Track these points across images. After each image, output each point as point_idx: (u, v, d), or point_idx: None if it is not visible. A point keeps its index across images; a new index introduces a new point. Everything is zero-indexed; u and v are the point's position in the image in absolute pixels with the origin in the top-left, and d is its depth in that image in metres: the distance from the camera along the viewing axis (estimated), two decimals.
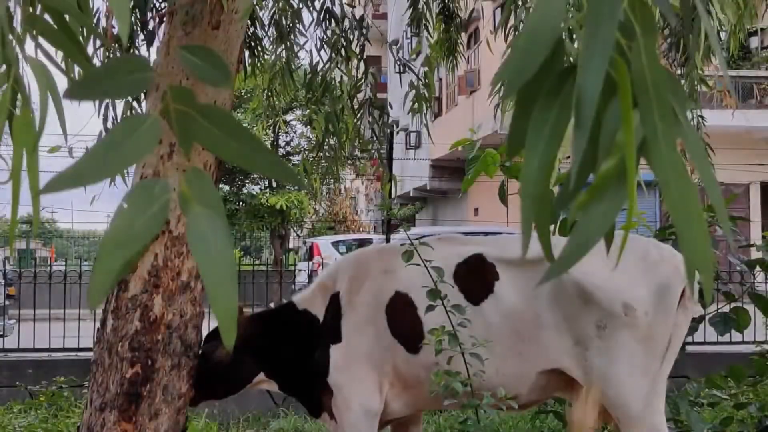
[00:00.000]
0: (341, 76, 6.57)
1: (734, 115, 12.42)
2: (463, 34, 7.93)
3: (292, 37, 6.39)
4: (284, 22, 6.25)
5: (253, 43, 6.25)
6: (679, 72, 6.68)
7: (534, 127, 1.04)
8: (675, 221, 1.01)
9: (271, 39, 6.46)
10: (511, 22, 6.13)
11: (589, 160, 1.03)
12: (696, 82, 6.85)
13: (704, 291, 1.19)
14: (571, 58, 1.08)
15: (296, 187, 26.57)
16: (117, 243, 1.05)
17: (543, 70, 1.01)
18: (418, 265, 3.88)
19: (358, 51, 6.61)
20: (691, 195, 1.00)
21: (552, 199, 1.09)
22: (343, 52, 6.46)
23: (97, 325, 4.07)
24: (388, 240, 10.71)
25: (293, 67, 6.75)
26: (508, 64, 1.02)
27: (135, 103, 4.66)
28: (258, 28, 6.22)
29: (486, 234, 7.48)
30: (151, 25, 5.09)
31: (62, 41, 1.42)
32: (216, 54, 1.24)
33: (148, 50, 5.11)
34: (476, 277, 3.99)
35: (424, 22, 7.03)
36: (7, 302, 10.96)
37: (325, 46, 6.47)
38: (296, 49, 6.50)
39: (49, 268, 10.62)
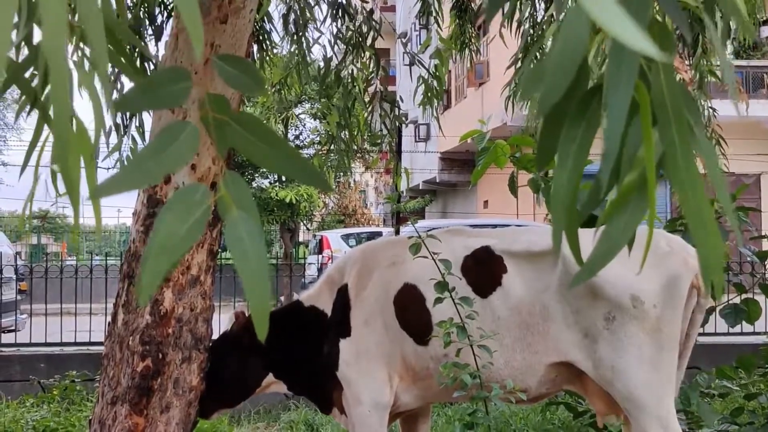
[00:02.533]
0: (353, 70, 6.58)
1: (744, 107, 12.36)
2: (474, 26, 7.92)
3: (306, 31, 6.40)
4: (298, 17, 6.26)
5: (261, 37, 6.26)
6: (688, 63, 6.66)
7: (563, 144, 1.13)
8: (691, 229, 1.10)
9: (284, 34, 6.47)
10: (517, 15, 6.13)
11: (613, 173, 1.13)
12: (706, 74, 6.82)
13: (715, 290, 1.33)
14: (595, 76, 1.20)
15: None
16: (163, 248, 1.14)
17: (570, 91, 1.09)
18: (426, 257, 3.88)
19: (369, 44, 6.61)
20: (705, 206, 1.10)
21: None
22: (358, 46, 6.46)
23: (108, 319, 4.09)
24: (397, 233, 10.71)
25: (309, 61, 6.77)
26: (541, 79, 1.10)
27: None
28: (266, 21, 6.23)
29: (494, 226, 7.46)
30: (159, 20, 5.10)
31: (113, 55, 1.49)
32: (249, 63, 1.33)
33: (156, 45, 5.13)
34: (484, 270, 3.99)
35: (434, 14, 7.02)
36: (18, 297, 11.01)
37: (338, 41, 6.48)
38: (311, 43, 6.51)
39: (60, 263, 10.65)
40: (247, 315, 4.20)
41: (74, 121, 1.39)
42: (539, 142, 1.18)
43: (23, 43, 1.51)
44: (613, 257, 1.14)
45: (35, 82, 1.58)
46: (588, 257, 1.16)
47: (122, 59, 1.56)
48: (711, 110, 7.74)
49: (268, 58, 6.47)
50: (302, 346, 4.19)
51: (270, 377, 4.23)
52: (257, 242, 1.17)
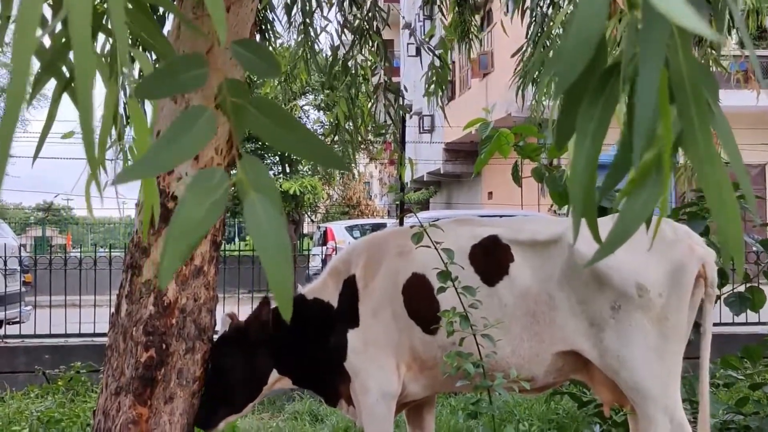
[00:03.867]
0: (358, 60, 6.56)
1: (752, 96, 12.32)
2: (476, 16, 7.89)
3: (312, 20, 6.39)
4: (304, 4, 6.24)
5: (264, 27, 6.24)
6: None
7: (582, 123, 1.13)
8: (711, 209, 1.10)
9: (287, 24, 6.46)
10: (527, 3, 6.10)
11: (628, 153, 1.12)
12: (711, 64, 6.80)
13: (737, 271, 1.33)
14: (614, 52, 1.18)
15: (316, 170, 26.60)
16: (183, 230, 1.15)
17: (588, 69, 1.09)
18: (429, 247, 3.88)
19: (375, 31, 6.60)
20: (725, 184, 1.09)
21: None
22: (365, 35, 6.45)
23: (112, 310, 4.08)
24: (401, 224, 10.70)
25: (316, 50, 6.76)
26: (556, 64, 1.10)
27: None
28: (269, 11, 6.21)
29: (501, 216, 7.45)
30: (161, 10, 5.08)
31: (153, 36, 1.51)
32: (265, 47, 1.33)
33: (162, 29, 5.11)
34: (491, 259, 3.99)
35: (438, 4, 7.00)
36: (23, 289, 11.04)
37: (345, 30, 6.46)
38: (318, 32, 6.50)
39: (65, 255, 10.66)
40: (238, 316, 4.18)
41: (129, 101, 1.42)
42: (558, 122, 1.18)
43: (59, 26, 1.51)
44: (630, 236, 1.13)
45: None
46: (606, 236, 1.15)
47: (151, 39, 1.56)
48: None
49: (271, 48, 6.45)
50: (307, 339, 4.17)
51: (275, 374, 4.19)
52: (277, 224, 1.16)
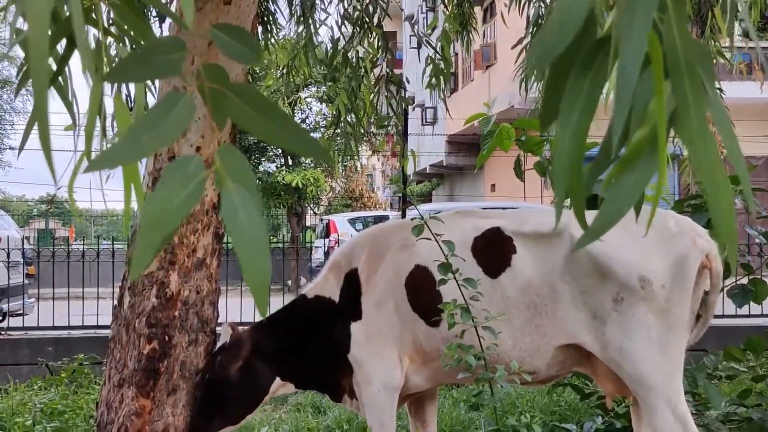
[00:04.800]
0: (360, 52, 6.55)
1: (755, 88, 12.26)
2: (478, 8, 7.88)
3: (313, 12, 6.37)
4: None
5: (265, 18, 6.23)
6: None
7: (568, 98, 1.07)
8: (704, 191, 1.05)
9: (290, 16, 6.44)
10: None
11: (622, 132, 1.06)
12: (713, 55, 6.77)
13: (729, 259, 1.20)
14: (601, 29, 1.11)
15: (318, 163, 26.57)
16: (156, 221, 1.10)
17: (576, 42, 1.04)
18: (430, 239, 3.88)
19: (376, 24, 6.58)
20: (719, 166, 1.04)
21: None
22: (365, 26, 6.43)
23: (115, 302, 4.09)
24: (403, 216, 10.69)
25: (315, 42, 6.74)
26: (542, 37, 1.05)
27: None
28: (271, 2, 6.20)
29: (504, 209, 7.45)
30: (164, 0, 5.06)
31: (130, 17, 1.47)
32: (246, 32, 1.29)
33: (161, 26, 5.11)
34: (494, 251, 3.98)
35: None
36: (26, 281, 11.05)
37: (346, 22, 6.45)
38: (318, 25, 6.48)
39: (68, 247, 10.68)
40: (240, 327, 4.15)
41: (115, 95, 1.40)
42: (543, 98, 1.11)
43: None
44: (619, 219, 1.07)
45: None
46: (593, 219, 1.09)
47: (138, 34, 1.52)
48: (719, 91, 7.69)
49: (273, 40, 6.44)
50: (310, 338, 4.17)
51: (278, 381, 4.18)
52: (254, 215, 1.13)
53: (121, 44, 1.71)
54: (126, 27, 1.48)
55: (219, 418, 3.98)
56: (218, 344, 4.04)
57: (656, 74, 1.01)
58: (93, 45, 1.51)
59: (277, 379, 4.16)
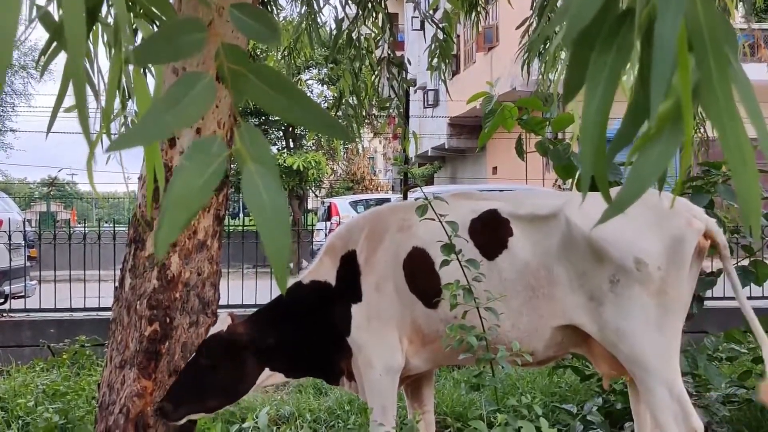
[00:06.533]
0: (362, 33, 6.52)
1: (761, 69, 12.23)
2: None
3: None
4: None
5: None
6: None
7: (593, 71, 1.07)
8: (729, 164, 1.04)
9: None
10: None
11: (642, 105, 1.06)
12: None
13: (753, 231, 1.18)
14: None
15: (320, 145, 26.51)
16: (181, 200, 1.12)
17: (600, 15, 1.04)
18: (434, 220, 3.88)
19: (380, 2, 6.56)
20: (744, 139, 1.03)
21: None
22: (369, 6, 6.40)
23: (116, 284, 4.09)
24: (405, 198, 10.69)
25: (319, 23, 6.71)
26: (565, 10, 1.06)
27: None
28: None
29: (501, 191, 7.45)
30: None
31: (158, 4, 1.47)
32: (265, 12, 1.29)
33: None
34: (491, 233, 3.98)
35: None
36: (28, 264, 11.06)
37: (349, 2, 6.41)
38: (321, 4, 6.44)
39: (69, 229, 10.68)
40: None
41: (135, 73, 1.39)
42: (567, 71, 1.12)
43: None
44: (645, 191, 1.07)
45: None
46: (617, 193, 1.09)
47: (157, 8, 1.50)
48: None
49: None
50: (306, 323, 4.15)
51: (266, 372, 4.09)
52: (275, 195, 1.14)
53: (141, 20, 1.69)
54: (147, 2, 1.47)
55: (192, 404, 3.83)
56: (212, 330, 3.94)
57: (680, 45, 1.00)
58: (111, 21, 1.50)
59: (266, 370, 4.08)
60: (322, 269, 4.22)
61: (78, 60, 1.08)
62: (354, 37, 6.41)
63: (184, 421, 3.83)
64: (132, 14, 1.74)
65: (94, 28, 1.68)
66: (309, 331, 4.14)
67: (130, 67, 1.50)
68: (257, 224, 1.12)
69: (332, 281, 4.17)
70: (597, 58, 1.07)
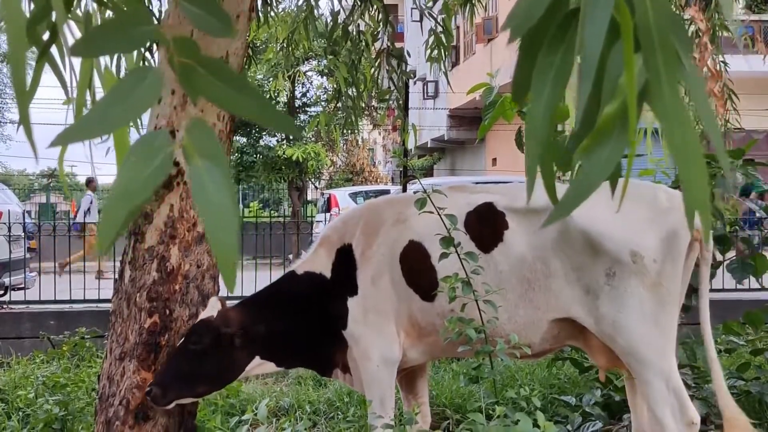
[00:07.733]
0: (361, 24, 6.50)
1: (759, 61, 12.19)
2: None
3: None
4: None
5: None
6: (701, 18, 6.56)
7: (539, 72, 1.05)
8: (677, 163, 1.03)
9: None
10: None
11: (594, 105, 1.04)
12: (718, 28, 6.74)
13: (703, 232, 1.17)
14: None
15: (320, 136, 26.47)
16: (123, 194, 1.09)
17: (548, 14, 1.02)
18: (431, 213, 3.87)
19: None
20: (692, 138, 1.02)
21: (558, 142, 1.12)
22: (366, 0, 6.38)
23: (116, 276, 4.10)
24: (404, 190, 10.69)
25: (316, 15, 6.68)
26: (515, 9, 1.03)
27: (147, 54, 4.60)
28: None
29: (497, 183, 7.44)
30: None
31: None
32: (215, 2, 1.24)
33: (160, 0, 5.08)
34: (486, 226, 3.99)
35: None
36: (28, 255, 11.07)
37: None
38: None
39: (69, 221, 10.68)
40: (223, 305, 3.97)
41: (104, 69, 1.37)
42: (515, 71, 1.09)
43: None
44: (590, 194, 1.06)
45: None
46: (564, 193, 1.08)
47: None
48: (723, 64, 7.65)
49: (272, 13, 6.40)
50: (300, 314, 4.14)
51: (256, 361, 4.07)
52: (223, 192, 1.12)
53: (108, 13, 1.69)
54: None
55: (181, 389, 3.78)
56: (202, 315, 3.90)
57: (626, 47, 0.99)
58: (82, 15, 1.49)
59: (256, 359, 4.06)
60: (317, 260, 4.22)
61: (20, 51, 1.06)
62: (351, 30, 6.39)
63: (172, 405, 3.78)
64: (99, 5, 1.72)
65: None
66: (302, 321, 4.13)
67: (102, 62, 1.49)
68: (204, 223, 1.11)
69: (327, 273, 4.17)
70: (544, 58, 1.06)
